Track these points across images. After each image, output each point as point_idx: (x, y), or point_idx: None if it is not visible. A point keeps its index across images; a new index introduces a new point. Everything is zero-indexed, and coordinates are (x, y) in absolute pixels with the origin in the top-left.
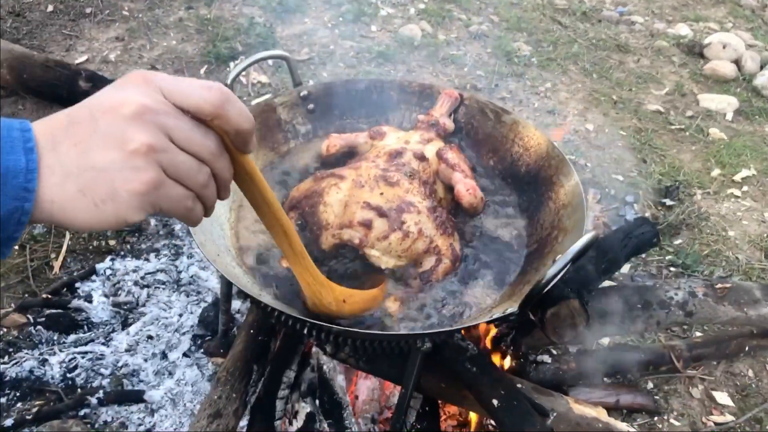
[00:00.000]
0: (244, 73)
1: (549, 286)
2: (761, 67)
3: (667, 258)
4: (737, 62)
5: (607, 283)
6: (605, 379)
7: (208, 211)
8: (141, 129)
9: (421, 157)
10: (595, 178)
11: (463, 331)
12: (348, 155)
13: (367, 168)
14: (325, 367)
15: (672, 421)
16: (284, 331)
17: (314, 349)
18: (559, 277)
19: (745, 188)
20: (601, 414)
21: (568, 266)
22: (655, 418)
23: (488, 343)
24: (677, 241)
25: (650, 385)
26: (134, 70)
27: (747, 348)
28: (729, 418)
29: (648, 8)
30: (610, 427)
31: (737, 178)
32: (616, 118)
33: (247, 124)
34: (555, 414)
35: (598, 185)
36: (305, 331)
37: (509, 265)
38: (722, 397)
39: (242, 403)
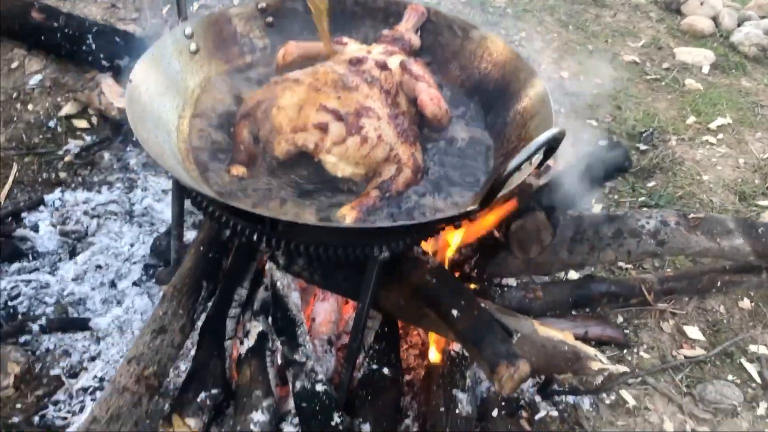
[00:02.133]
0: None
1: (510, 178)
2: (738, 24)
3: (639, 200)
4: (714, 19)
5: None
6: (573, 311)
7: None
8: None
9: (383, 66)
10: (569, 123)
11: (422, 243)
12: (306, 66)
13: (324, 72)
14: (278, 284)
15: (642, 353)
16: (236, 246)
17: (267, 265)
18: (520, 165)
19: (720, 136)
20: (568, 337)
21: (531, 157)
22: (624, 351)
23: (449, 261)
24: (650, 184)
25: (620, 318)
26: None
27: (719, 284)
28: (700, 351)
29: None
30: (577, 349)
31: (713, 126)
32: (591, 67)
33: None
34: (519, 335)
35: (571, 130)
36: (254, 235)
37: (474, 178)
38: (693, 331)
39: (189, 319)
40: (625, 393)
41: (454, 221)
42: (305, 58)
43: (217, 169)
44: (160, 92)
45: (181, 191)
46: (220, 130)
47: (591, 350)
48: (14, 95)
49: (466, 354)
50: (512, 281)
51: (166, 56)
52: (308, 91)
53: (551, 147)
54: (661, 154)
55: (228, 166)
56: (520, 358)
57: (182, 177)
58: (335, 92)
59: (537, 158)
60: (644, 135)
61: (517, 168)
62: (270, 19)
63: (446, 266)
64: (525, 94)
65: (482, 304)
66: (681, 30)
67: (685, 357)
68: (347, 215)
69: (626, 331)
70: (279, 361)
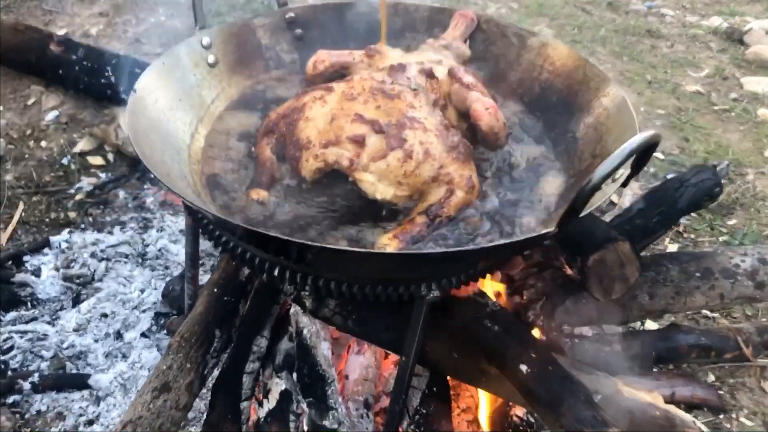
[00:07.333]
0: None
1: (594, 193)
2: None
3: (720, 239)
4: None
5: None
6: (656, 368)
7: None
8: None
9: (430, 74)
10: None
11: (478, 282)
12: (340, 78)
13: (360, 80)
14: (305, 332)
15: (742, 419)
16: (255, 287)
17: (292, 310)
18: (611, 175)
19: None
20: (658, 400)
21: (622, 164)
22: (721, 416)
23: (508, 302)
24: (731, 222)
25: (711, 377)
26: None
27: None
28: None
29: (678, 3)
30: (671, 415)
31: None
32: (652, 98)
33: None
34: (600, 397)
35: None
36: (276, 270)
37: (540, 202)
38: None
39: (199, 375)
40: None
41: (528, 247)
42: (339, 68)
43: (235, 194)
44: (171, 106)
45: (195, 223)
46: (239, 151)
47: (688, 416)
48: (28, 132)
49: (533, 419)
50: (587, 330)
51: (180, 67)
52: (341, 101)
53: (642, 157)
54: (740, 189)
55: (248, 189)
56: (611, 426)
57: (190, 197)
58: (374, 101)
59: (621, 175)
60: (719, 168)
61: (607, 178)
62: (299, 31)
63: (507, 304)
64: (598, 105)
65: (557, 359)
66: (746, 60)
67: None
68: (388, 245)
69: (720, 391)
70: (305, 427)
